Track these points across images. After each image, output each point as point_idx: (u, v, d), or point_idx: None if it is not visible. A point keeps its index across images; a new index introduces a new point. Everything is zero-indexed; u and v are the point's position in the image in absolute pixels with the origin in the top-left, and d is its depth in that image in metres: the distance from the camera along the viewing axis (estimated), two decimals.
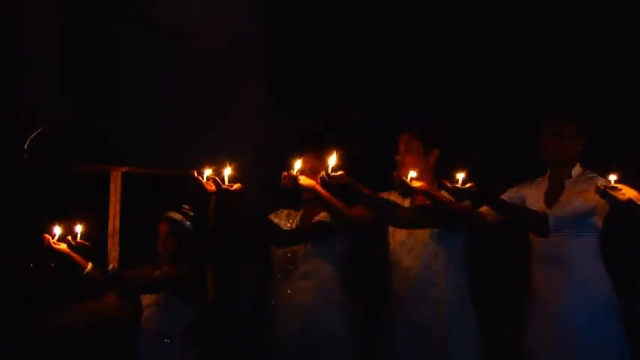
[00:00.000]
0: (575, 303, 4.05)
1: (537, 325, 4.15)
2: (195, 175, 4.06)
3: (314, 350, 4.28)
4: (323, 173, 3.93)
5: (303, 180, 3.99)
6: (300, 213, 4.51)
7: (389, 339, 4.31)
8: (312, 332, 4.31)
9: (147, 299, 4.64)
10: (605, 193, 3.68)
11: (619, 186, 3.69)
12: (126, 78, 5.22)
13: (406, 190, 3.95)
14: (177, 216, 4.68)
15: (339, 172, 3.93)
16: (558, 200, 4.12)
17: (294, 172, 3.99)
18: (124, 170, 5.52)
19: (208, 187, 4.07)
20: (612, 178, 3.74)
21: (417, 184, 3.97)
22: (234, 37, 5.30)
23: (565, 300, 4.06)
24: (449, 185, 3.91)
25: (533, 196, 4.23)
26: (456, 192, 3.89)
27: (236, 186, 4.09)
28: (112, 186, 5.50)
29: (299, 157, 4.10)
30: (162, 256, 4.66)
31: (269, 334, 4.44)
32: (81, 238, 4.19)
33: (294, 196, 4.33)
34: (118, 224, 5.48)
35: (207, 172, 4.10)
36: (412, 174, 3.96)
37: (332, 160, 3.93)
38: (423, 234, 4.28)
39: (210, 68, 5.30)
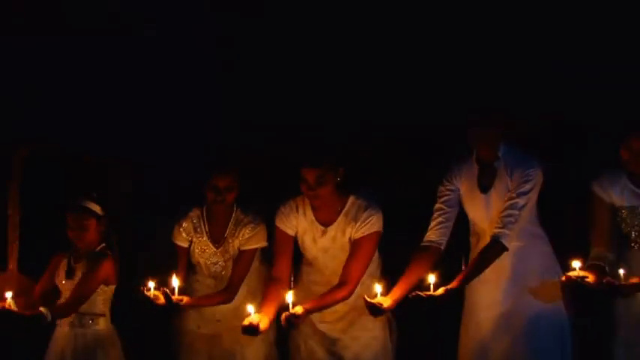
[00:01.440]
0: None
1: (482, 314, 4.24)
2: (144, 290, 4.15)
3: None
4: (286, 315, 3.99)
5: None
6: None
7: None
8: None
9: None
10: (572, 280, 3.92)
11: (582, 273, 3.92)
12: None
13: (378, 313, 4.03)
14: (94, 206, 4.44)
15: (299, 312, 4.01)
16: (494, 185, 4.21)
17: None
18: (25, 154, 5.13)
19: (157, 301, 4.15)
20: (576, 265, 3.94)
21: (387, 302, 4.02)
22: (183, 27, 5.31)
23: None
24: None
25: (467, 185, 4.27)
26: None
27: (185, 299, 4.24)
28: (14, 171, 5.09)
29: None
30: (78, 248, 4.46)
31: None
32: None
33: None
34: (17, 216, 5.07)
35: (151, 284, 4.19)
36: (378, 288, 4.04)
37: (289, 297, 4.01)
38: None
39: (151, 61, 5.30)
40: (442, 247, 4.20)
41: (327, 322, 4.33)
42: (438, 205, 4.27)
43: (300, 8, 5.37)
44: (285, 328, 4.07)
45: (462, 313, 4.34)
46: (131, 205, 5.19)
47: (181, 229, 4.53)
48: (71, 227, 4.37)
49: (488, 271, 4.09)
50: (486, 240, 4.12)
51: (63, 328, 4.38)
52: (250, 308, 4.05)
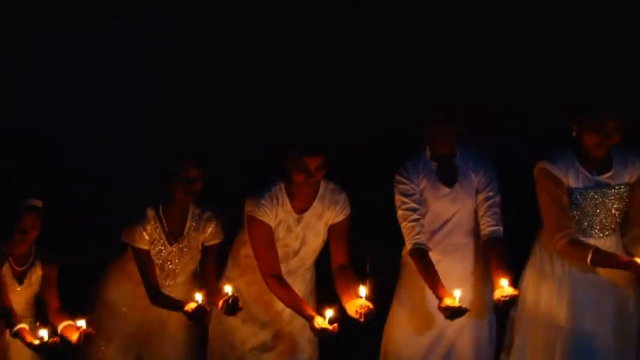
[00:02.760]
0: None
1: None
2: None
3: None
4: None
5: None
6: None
7: None
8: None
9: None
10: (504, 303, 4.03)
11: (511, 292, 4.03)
12: None
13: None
14: (39, 203, 4.35)
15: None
16: (458, 180, 4.33)
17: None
18: None
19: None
20: (504, 283, 4.05)
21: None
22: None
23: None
24: None
25: (427, 182, 4.34)
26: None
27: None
28: None
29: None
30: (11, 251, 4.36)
31: None
32: None
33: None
34: None
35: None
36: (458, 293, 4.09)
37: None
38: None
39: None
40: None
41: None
42: (410, 205, 4.28)
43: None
44: (362, 323, 4.06)
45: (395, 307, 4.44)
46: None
47: (145, 233, 4.38)
48: (24, 229, 4.25)
49: (452, 265, 4.32)
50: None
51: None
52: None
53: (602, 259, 3.96)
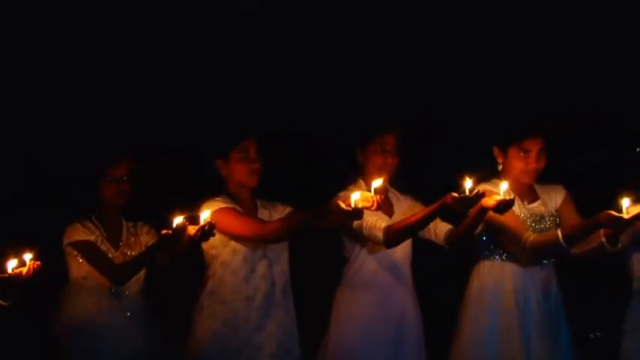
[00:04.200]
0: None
1: None
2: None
3: None
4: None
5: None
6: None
7: None
8: None
9: None
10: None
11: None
12: None
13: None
14: None
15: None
16: (394, 211, 4.30)
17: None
18: None
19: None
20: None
21: None
22: None
23: None
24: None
25: (371, 215, 4.08)
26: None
27: None
28: None
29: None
30: None
31: None
32: None
33: None
34: None
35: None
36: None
37: None
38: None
39: None
40: None
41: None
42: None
43: None
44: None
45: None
46: None
47: (85, 228, 4.29)
48: None
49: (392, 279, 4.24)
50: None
51: None
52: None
53: (572, 231, 3.89)
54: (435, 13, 5.15)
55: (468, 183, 3.75)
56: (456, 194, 3.77)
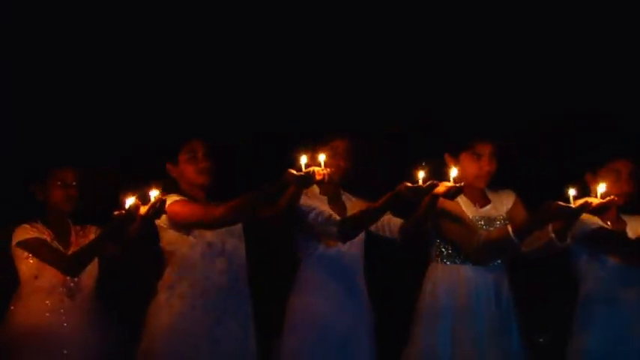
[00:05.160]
0: None
1: None
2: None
3: None
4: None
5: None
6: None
7: None
8: None
9: None
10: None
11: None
12: None
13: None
14: None
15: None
16: (347, 213, 4.30)
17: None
18: None
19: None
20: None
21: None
22: None
23: None
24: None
25: (325, 209, 4.24)
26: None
27: None
28: None
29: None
30: None
31: None
32: None
33: None
34: None
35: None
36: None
37: None
38: None
39: None
40: None
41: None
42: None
43: None
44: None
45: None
46: None
47: (29, 226, 4.30)
48: None
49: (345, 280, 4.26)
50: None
51: None
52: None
53: (522, 225, 3.93)
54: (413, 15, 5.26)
55: (421, 173, 3.84)
56: (409, 184, 3.84)
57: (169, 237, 4.07)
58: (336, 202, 4.33)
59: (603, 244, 4.02)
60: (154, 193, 3.89)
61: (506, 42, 5.11)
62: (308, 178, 3.79)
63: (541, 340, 4.82)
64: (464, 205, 4.16)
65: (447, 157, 4.18)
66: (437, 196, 3.92)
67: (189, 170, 4.19)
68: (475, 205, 4.21)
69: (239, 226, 4.24)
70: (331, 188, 4.29)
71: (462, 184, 3.91)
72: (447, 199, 3.92)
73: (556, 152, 4.96)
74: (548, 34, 5.12)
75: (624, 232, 4.10)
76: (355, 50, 5.22)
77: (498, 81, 5.11)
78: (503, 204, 4.26)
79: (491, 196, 4.28)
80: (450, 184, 3.88)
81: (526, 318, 4.24)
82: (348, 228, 4.07)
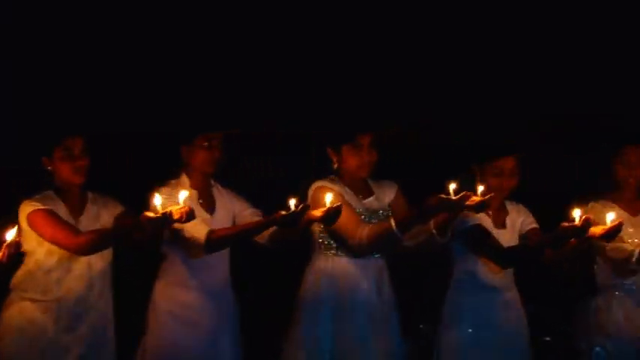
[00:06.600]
0: None
1: None
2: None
3: None
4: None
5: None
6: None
7: None
8: None
9: None
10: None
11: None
12: None
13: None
14: None
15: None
16: (215, 205, 4.19)
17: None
18: None
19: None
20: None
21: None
22: None
23: None
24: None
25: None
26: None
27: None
28: None
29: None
30: None
31: None
32: None
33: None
34: None
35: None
36: None
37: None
38: None
39: None
40: None
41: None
42: None
43: None
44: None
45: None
46: None
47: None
48: None
49: (210, 276, 4.09)
50: None
51: None
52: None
53: (404, 218, 3.87)
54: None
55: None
56: (284, 212, 3.69)
57: (28, 238, 3.86)
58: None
59: (475, 244, 4.03)
60: (10, 235, 3.31)
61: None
62: (165, 221, 3.49)
63: (421, 326, 4.77)
64: (348, 197, 4.10)
65: (329, 151, 4.13)
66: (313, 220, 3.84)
67: (64, 168, 3.95)
68: (358, 197, 4.15)
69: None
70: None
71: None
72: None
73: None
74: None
75: (497, 240, 4.04)
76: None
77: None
78: (385, 195, 4.21)
79: (374, 187, 4.22)
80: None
81: (406, 306, 4.20)
82: (213, 243, 3.92)
